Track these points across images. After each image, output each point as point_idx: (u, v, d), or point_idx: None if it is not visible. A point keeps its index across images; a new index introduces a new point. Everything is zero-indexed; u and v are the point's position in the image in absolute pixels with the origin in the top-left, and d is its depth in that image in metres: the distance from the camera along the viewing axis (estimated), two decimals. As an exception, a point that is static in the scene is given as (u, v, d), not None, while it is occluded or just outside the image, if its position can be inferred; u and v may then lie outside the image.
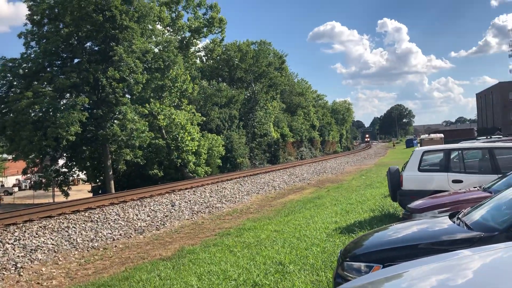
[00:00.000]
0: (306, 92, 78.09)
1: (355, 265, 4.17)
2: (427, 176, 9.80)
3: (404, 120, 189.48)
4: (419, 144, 42.81)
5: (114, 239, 12.92)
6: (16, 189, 60.12)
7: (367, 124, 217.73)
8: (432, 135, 39.98)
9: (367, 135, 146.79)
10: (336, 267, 4.59)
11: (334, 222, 10.63)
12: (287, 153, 59.47)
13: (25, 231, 11.99)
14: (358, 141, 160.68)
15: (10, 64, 28.24)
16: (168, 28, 39.74)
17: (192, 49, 44.55)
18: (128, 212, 15.63)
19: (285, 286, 5.98)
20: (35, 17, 29.08)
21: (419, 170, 9.85)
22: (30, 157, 28.37)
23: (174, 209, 17.17)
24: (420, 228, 4.92)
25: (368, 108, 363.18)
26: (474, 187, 7.83)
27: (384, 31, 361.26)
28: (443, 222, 4.75)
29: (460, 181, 9.20)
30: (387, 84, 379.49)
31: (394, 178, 10.07)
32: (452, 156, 9.97)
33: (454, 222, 4.62)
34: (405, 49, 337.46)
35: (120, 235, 13.38)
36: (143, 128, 29.41)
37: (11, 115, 26.81)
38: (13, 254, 10.57)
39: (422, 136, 42.13)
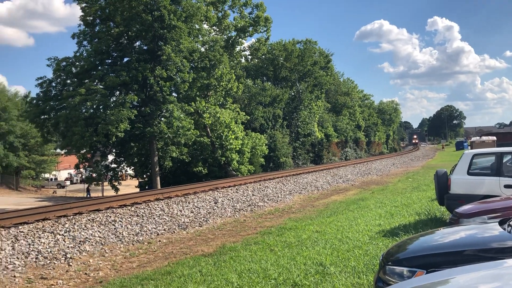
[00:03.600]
0: (352, 92, 76.99)
1: (397, 269, 4.05)
2: (477, 180, 9.40)
3: (454, 122, 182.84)
4: (469, 147, 41.26)
5: (158, 234, 13.22)
6: (68, 182, 62.89)
7: (415, 125, 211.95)
8: (484, 138, 38.45)
9: (414, 136, 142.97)
10: (378, 270, 4.48)
11: (377, 224, 10.40)
12: (331, 154, 58.88)
13: (74, 223, 12.48)
14: (405, 142, 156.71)
15: (64, 63, 29.50)
16: (214, 27, 40.24)
17: (238, 48, 44.87)
18: (172, 208, 15.95)
19: (325, 287, 5.90)
20: (88, 18, 30.27)
21: (469, 173, 9.47)
22: (82, 152, 29.60)
23: (217, 206, 17.37)
24: (468, 234, 4.72)
25: (416, 108, 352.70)
26: (529, 193, 7.42)
27: (435, 29, 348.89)
28: (493, 229, 4.54)
29: (513, 186, 8.76)
30: (436, 84, 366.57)
31: (442, 181, 9.72)
32: (504, 160, 9.51)
33: (504, 229, 4.40)
34: (457, 48, 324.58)
35: (164, 230, 13.67)
36: (189, 126, 29.96)
37: (64, 112, 28.00)
38: (63, 244, 11.03)
39: (473, 139, 40.61)
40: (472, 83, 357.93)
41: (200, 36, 34.68)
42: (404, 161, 51.81)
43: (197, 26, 33.33)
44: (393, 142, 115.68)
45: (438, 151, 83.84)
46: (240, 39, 43.66)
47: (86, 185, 34.89)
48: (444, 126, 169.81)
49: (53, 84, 29.95)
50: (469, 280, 2.82)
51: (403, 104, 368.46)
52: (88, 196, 41.21)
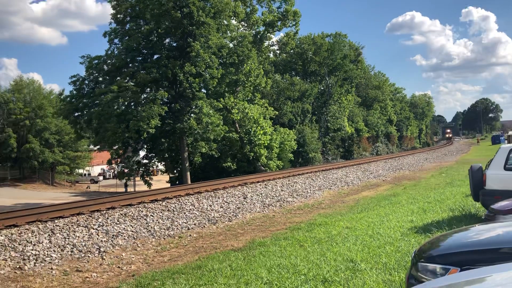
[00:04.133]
0: (383, 85, 75.71)
1: (430, 267, 3.96)
2: (515, 176, 9.08)
3: (490, 115, 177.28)
4: (506, 141, 39.98)
5: (188, 228, 13.38)
6: (101, 178, 64.40)
7: (449, 119, 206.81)
8: (522, 131, 37.16)
9: (448, 130, 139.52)
10: (410, 267, 4.39)
11: (409, 221, 10.23)
12: (361, 149, 58.17)
13: (107, 218, 12.77)
14: (439, 136, 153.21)
15: (96, 61, 30.14)
16: (242, 23, 40.24)
17: (266, 43, 44.73)
18: (202, 203, 16.11)
19: (355, 284, 5.84)
20: (118, 15, 30.80)
21: (506, 168, 9.16)
22: (114, 148, 30.24)
23: (246, 202, 17.44)
24: (504, 231, 4.57)
25: (450, 102, 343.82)
26: None
27: (469, 20, 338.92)
28: (532, 226, 4.38)
29: (553, 182, 8.44)
30: (471, 76, 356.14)
31: (477, 177, 9.45)
32: (544, 155, 9.16)
33: (544, 226, 4.24)
34: (493, 39, 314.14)
35: (195, 224, 13.83)
36: (218, 121, 30.13)
37: (96, 109, 28.62)
38: (97, 238, 11.31)
39: (510, 132, 39.34)
40: (510, 75, 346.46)
41: (228, 31, 34.75)
42: (437, 156, 50.70)
43: (225, 22, 33.41)
44: (426, 136, 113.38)
45: (473, 146, 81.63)
46: (269, 34, 43.49)
47: (124, 181, 35.68)
48: (479, 119, 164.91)
49: (86, 82, 30.63)
50: (506, 279, 2.73)
51: (436, 97, 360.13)
52: (126, 191, 42.09)
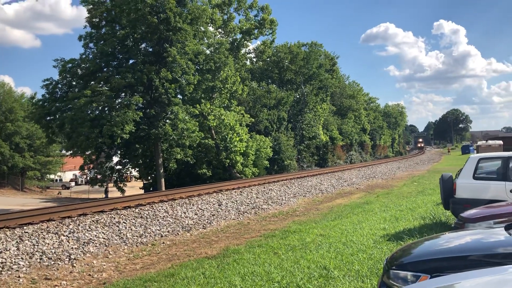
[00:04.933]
0: (357, 95, 76.89)
1: (401, 274, 4.02)
2: (483, 185, 9.35)
3: (460, 126, 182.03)
4: (475, 151, 41.05)
5: (162, 236, 13.21)
6: (73, 183, 63.09)
7: (421, 128, 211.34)
8: (490, 142, 38.31)
9: (420, 140, 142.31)
10: (382, 274, 4.45)
11: (382, 228, 10.37)
12: (336, 157, 58.76)
13: (79, 224, 12.50)
14: (411, 146, 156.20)
15: (70, 65, 29.62)
16: (219, 30, 40.31)
17: (243, 50, 44.94)
18: (176, 210, 15.96)
19: (328, 291, 5.87)
20: (94, 19, 30.37)
21: (474, 178, 9.42)
22: (87, 153, 29.69)
23: (221, 209, 17.36)
24: (473, 238, 4.69)
25: (422, 112, 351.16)
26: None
27: (441, 33, 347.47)
28: (499, 234, 4.49)
29: (520, 191, 8.70)
30: (442, 88, 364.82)
31: (447, 186, 9.67)
32: (511, 165, 9.44)
33: (510, 234, 4.35)
34: (463, 51, 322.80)
35: (168, 232, 13.67)
36: (194, 128, 29.98)
37: (69, 113, 28.09)
38: (68, 245, 11.05)
39: (479, 143, 40.47)
40: (479, 87, 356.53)
41: (205, 38, 34.72)
42: (409, 164, 51.62)
43: (202, 29, 33.37)
44: (399, 145, 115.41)
45: (444, 155, 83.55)
46: (246, 42, 43.72)
47: (105, 187, 34.89)
48: (450, 129, 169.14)
49: (59, 86, 30.03)
50: (474, 286, 2.79)
51: (408, 107, 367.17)
52: (106, 197, 41.21)
